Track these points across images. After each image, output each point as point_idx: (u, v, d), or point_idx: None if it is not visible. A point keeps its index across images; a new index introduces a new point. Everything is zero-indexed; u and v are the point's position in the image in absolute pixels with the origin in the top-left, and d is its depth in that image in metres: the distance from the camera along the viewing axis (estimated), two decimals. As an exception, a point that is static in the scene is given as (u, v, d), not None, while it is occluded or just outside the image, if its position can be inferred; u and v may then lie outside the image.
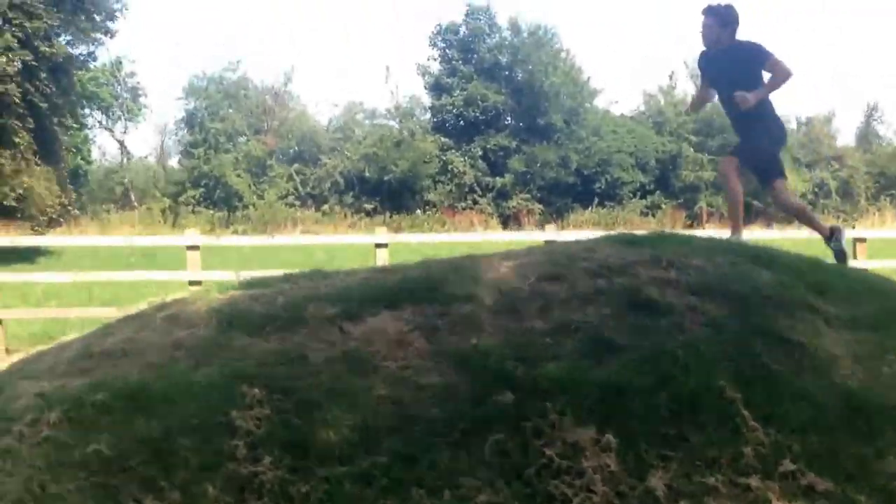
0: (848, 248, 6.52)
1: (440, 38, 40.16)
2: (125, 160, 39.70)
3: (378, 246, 8.89)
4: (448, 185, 36.86)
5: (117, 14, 24.68)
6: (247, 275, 9.49)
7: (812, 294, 4.35)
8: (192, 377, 3.77)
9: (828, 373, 3.84)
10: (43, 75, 21.11)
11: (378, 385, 3.77)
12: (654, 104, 44.41)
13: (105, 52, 30.61)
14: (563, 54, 41.15)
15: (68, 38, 24.10)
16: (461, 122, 38.48)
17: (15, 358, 8.44)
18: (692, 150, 41.12)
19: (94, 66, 34.13)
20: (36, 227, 21.18)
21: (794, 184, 42.27)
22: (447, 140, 37.54)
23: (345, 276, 4.94)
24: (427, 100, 40.75)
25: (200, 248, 8.85)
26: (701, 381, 3.66)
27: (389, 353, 3.93)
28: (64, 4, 21.96)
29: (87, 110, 30.69)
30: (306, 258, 15.77)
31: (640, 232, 5.49)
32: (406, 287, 4.29)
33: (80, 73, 28.46)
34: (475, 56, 39.18)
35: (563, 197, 37.69)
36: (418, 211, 35.73)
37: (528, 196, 36.97)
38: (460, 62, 39.08)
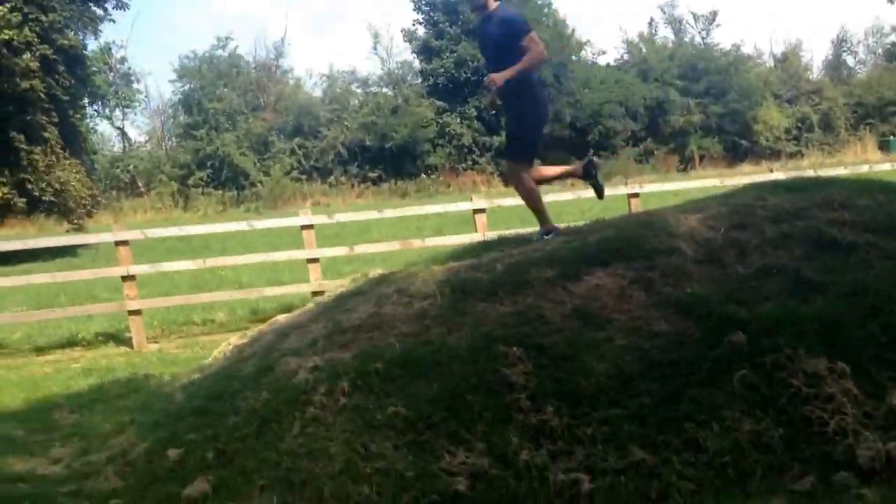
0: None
1: (423, 2, 40.00)
2: (126, 147, 39.45)
3: (476, 212, 9.19)
4: (447, 147, 37.00)
5: (127, 1, 24.43)
6: (361, 249, 9.86)
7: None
8: (449, 342, 4.08)
9: None
10: (61, 69, 21.02)
11: (616, 336, 4.09)
12: (637, 52, 44.59)
13: (93, 40, 30.06)
14: (546, 9, 41.17)
15: (76, 28, 23.87)
16: (452, 84, 38.49)
17: (155, 347, 8.72)
18: (678, 94, 41.43)
19: (86, 53, 33.80)
20: (75, 221, 21.20)
21: (778, 120, 42.88)
22: (442, 103, 37.58)
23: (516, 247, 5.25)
24: (417, 64, 40.70)
25: (314, 226, 9.11)
26: (906, 310, 3.99)
27: (616, 307, 4.25)
28: (76, -4, 21.72)
29: (86, 100, 30.46)
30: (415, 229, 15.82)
31: (772, 177, 5.81)
32: (610, 246, 4.60)
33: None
34: (460, 17, 39.08)
35: (558, 150, 37.94)
36: (423, 175, 35.91)
37: (525, 152, 37.16)
38: (447, 24, 38.98)
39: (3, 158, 19.81)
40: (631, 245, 4.59)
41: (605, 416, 3.71)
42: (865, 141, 40.50)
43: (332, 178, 36.04)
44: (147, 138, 42.36)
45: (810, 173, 8.74)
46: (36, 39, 19.90)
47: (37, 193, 20.49)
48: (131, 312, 8.73)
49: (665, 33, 47.61)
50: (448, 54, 38.11)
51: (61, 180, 20.60)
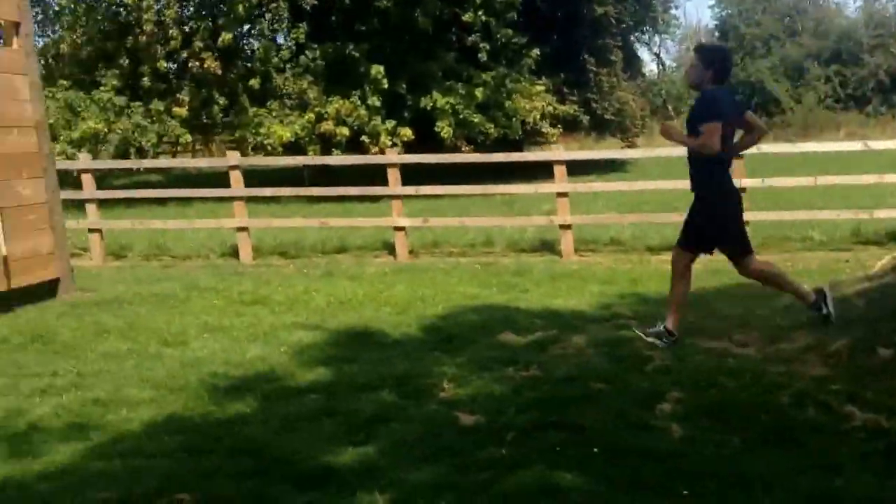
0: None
1: None
2: (660, 72, 40.63)
3: None
4: None
5: None
6: None
7: None
8: None
9: None
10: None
11: None
12: None
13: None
14: None
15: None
16: None
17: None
18: None
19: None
20: (629, 138, 22.89)
21: None
22: None
23: None
24: None
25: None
26: None
27: None
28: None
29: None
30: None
31: None
32: None
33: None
34: None
35: None
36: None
37: None
38: None
39: (575, 79, 21.88)
40: None
41: None
42: None
43: (869, 108, 33.28)
44: (676, 65, 43.05)
45: None
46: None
47: (600, 112, 22.37)
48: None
49: None
50: None
51: (621, 101, 22.23)
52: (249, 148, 16.45)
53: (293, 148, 16.20)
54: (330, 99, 16.78)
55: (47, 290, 6.99)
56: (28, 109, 6.93)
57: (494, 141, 18.23)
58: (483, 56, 18.29)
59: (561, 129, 20.51)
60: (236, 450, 3.46)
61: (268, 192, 10.89)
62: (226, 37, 16.31)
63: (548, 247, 9.52)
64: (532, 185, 10.40)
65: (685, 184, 5.40)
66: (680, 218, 5.55)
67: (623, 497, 2.95)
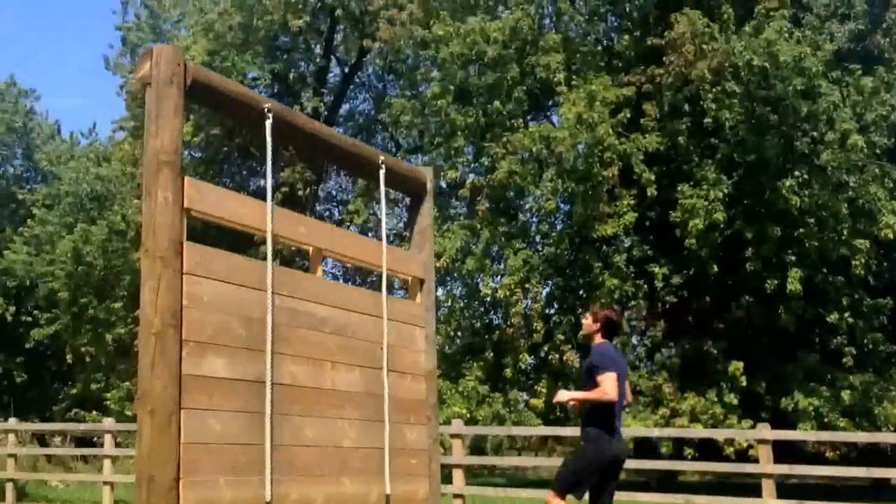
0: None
1: None
2: None
3: None
4: None
5: None
6: None
7: None
8: None
9: None
10: None
11: None
12: None
13: None
14: None
15: None
16: None
17: None
18: None
19: None
20: None
21: None
22: None
23: None
24: None
25: None
26: None
27: None
28: None
29: None
30: None
31: None
32: None
33: None
34: None
35: None
36: None
37: None
38: None
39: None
40: None
41: None
42: None
43: None
44: None
45: None
46: None
47: None
48: None
49: None
50: None
51: None
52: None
53: (643, 443, 15.67)
54: (685, 395, 16.21)
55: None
56: (422, 359, 7.33)
57: (859, 452, 16.22)
58: (848, 361, 16.88)
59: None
60: None
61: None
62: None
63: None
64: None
65: None
66: None
67: None
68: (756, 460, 9.80)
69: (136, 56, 24.98)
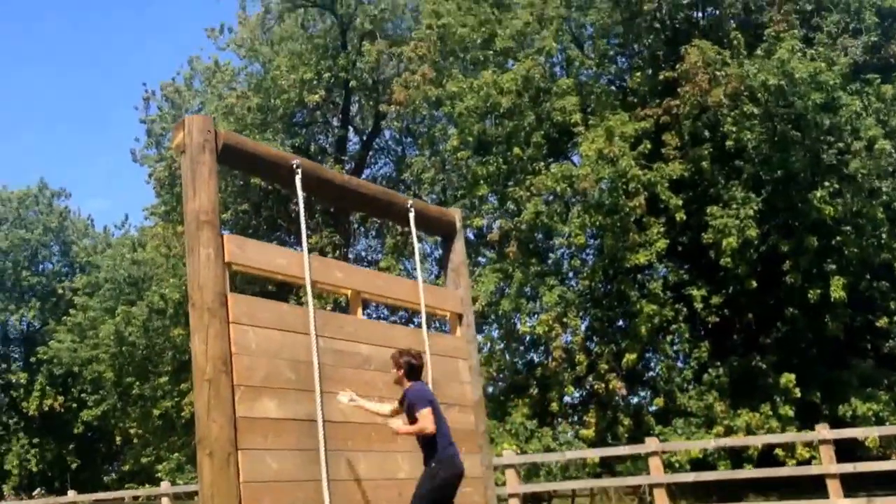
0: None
1: None
2: None
3: None
4: None
5: None
6: None
7: None
8: None
9: None
10: None
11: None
12: None
13: None
14: None
15: None
16: None
17: None
18: None
19: None
20: None
21: None
22: None
23: None
24: None
25: None
26: None
27: None
28: None
29: None
30: None
31: None
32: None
33: None
34: None
35: None
36: None
37: None
38: None
39: None
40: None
41: None
42: None
43: None
44: None
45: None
46: None
47: None
48: None
49: None
50: None
51: None
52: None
53: (700, 464, 15.45)
54: (738, 412, 16.06)
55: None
56: (468, 390, 7.48)
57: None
58: (903, 363, 16.69)
59: None
60: None
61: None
62: (628, 357, 16.73)
63: None
64: None
65: None
66: None
67: None
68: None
69: (161, 146, 25.82)
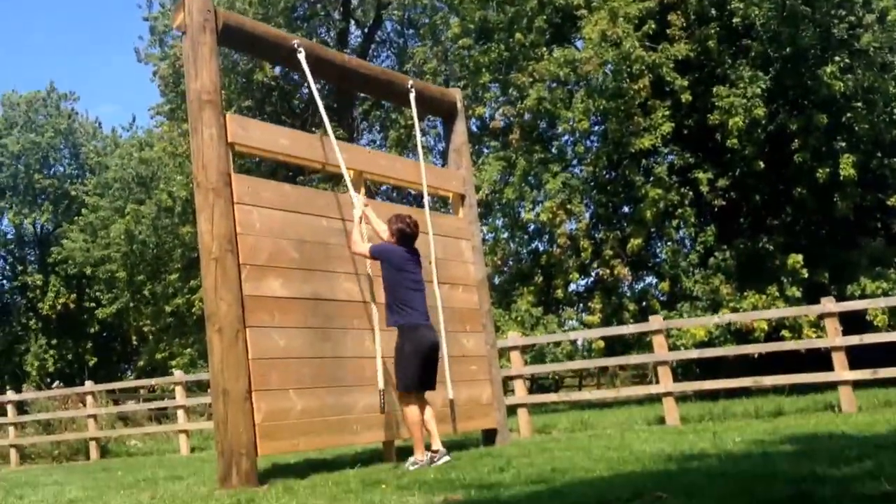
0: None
1: None
2: None
3: None
4: None
5: None
6: None
7: None
8: None
9: None
10: None
11: None
12: None
13: None
14: None
15: None
16: None
17: None
18: None
19: None
20: None
21: None
22: None
23: None
24: None
25: None
26: None
27: None
28: None
29: None
30: None
31: None
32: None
33: None
34: None
35: None
36: None
37: None
38: None
39: None
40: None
41: None
42: None
43: None
44: None
45: None
46: None
47: None
48: None
49: None
50: None
51: None
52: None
53: (705, 345, 15.62)
54: (744, 294, 16.19)
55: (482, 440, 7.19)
56: (471, 270, 7.57)
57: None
58: (913, 242, 16.66)
59: None
60: None
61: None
62: (634, 243, 16.78)
63: None
64: None
65: None
66: None
67: None
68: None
69: (164, 45, 25.40)
